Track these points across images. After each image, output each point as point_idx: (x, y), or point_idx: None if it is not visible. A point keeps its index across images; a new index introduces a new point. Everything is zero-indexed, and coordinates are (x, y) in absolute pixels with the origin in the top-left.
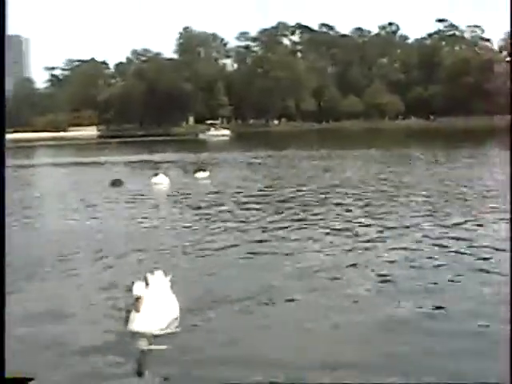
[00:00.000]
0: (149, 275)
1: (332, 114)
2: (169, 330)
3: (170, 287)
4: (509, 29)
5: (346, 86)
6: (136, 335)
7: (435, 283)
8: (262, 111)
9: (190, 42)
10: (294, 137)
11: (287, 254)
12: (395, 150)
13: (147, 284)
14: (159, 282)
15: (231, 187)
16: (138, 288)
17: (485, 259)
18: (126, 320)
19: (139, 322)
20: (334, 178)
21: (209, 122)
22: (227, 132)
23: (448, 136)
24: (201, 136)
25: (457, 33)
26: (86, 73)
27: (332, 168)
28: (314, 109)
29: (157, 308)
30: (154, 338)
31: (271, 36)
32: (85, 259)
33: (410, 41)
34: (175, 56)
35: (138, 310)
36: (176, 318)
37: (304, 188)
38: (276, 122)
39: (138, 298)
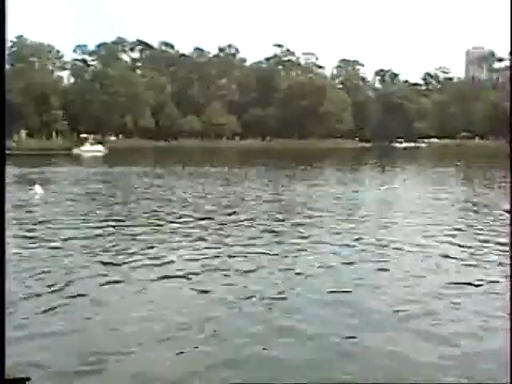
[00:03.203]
0: None
1: (170, 132)
2: None
3: None
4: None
5: (184, 105)
6: None
7: None
8: (99, 126)
9: (23, 51)
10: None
11: None
12: (231, 169)
13: None
14: None
15: (59, 204)
16: None
17: None
18: None
19: None
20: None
21: (83, 136)
22: (101, 148)
23: (280, 156)
24: (75, 151)
25: (293, 58)
26: None
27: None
28: (153, 126)
29: None
30: None
31: (110, 51)
32: None
33: (248, 63)
34: (6, 65)
35: None
36: None
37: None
38: (113, 138)
39: None
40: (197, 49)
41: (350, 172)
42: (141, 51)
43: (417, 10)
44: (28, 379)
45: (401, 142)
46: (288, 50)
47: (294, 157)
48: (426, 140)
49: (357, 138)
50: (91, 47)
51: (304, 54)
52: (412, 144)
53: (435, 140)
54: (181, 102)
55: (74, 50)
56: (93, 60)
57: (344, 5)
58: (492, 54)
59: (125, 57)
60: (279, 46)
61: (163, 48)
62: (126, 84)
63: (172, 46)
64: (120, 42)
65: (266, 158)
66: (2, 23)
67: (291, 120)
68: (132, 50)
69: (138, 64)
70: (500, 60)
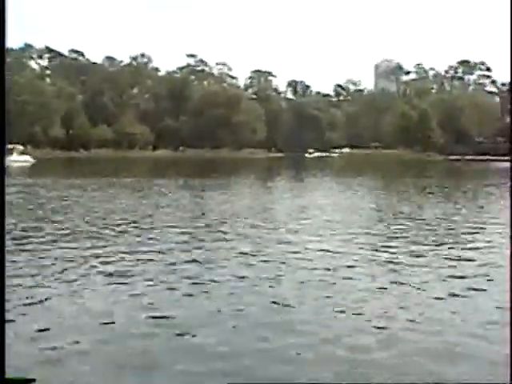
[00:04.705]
0: None
1: (82, 142)
2: None
3: None
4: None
5: (96, 114)
6: None
7: None
8: (7, 137)
9: None
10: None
11: None
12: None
13: None
14: None
15: None
16: None
17: None
18: None
19: None
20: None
21: (10, 146)
22: (28, 158)
23: (193, 166)
24: None
25: (206, 68)
26: None
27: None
28: (63, 136)
29: None
30: None
31: (17, 58)
32: None
33: (161, 73)
34: None
35: None
36: None
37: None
38: (21, 148)
39: None
40: (108, 57)
41: (259, 184)
42: (50, 59)
43: (325, 24)
44: (33, 380)
45: (311, 153)
46: (201, 60)
47: (205, 168)
48: (337, 150)
49: (273, 149)
50: None
51: (217, 64)
52: (324, 154)
53: (347, 150)
54: (92, 112)
55: None
56: None
57: (255, 15)
58: (399, 66)
59: (33, 64)
60: (192, 55)
61: (73, 56)
62: (34, 92)
63: (82, 54)
64: (28, 48)
65: (177, 168)
66: (2, 23)
67: (204, 130)
68: (40, 57)
69: (47, 72)
70: (407, 73)
